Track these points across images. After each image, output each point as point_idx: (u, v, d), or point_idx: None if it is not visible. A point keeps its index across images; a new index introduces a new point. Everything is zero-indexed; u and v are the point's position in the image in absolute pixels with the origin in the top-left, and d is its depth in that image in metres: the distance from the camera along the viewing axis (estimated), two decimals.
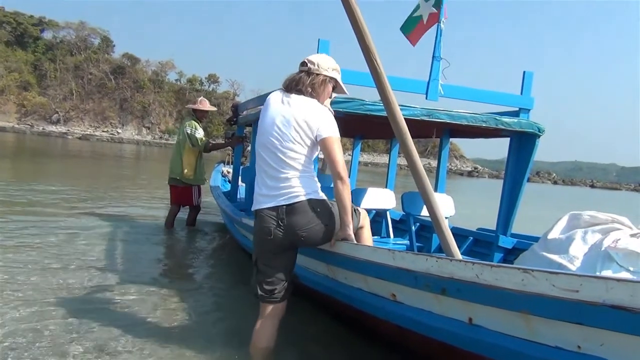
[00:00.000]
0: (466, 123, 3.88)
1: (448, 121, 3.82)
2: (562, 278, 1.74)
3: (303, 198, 2.65)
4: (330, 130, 2.66)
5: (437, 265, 2.16)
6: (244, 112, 6.43)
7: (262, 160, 2.76)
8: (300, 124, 2.65)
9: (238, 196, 6.87)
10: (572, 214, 3.26)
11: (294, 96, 2.74)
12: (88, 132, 73.94)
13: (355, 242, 2.83)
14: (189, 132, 6.80)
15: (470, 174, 76.77)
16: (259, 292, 2.75)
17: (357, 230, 3.06)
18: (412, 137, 2.87)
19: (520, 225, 4.66)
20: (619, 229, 2.98)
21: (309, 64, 2.78)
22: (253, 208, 2.81)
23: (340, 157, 2.63)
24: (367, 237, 3.14)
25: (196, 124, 6.89)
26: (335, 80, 2.86)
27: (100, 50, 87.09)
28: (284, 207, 2.65)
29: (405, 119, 3.52)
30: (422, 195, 2.66)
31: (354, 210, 2.97)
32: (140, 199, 10.20)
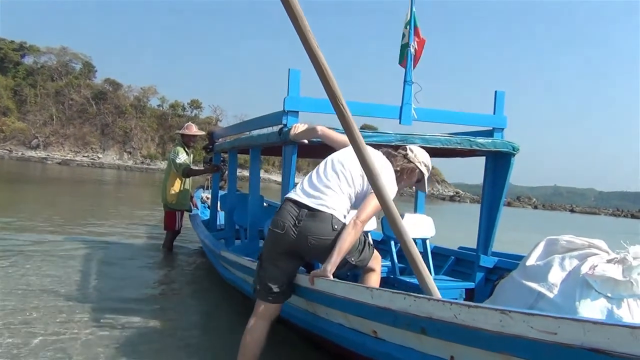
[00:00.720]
0: (441, 146, 3.84)
1: (422, 145, 3.76)
2: (539, 320, 1.69)
3: (329, 211, 2.76)
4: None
5: (415, 305, 2.12)
6: (220, 140, 6.43)
7: (324, 168, 2.94)
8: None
9: (218, 222, 6.74)
10: (549, 239, 3.20)
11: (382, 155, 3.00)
12: (68, 157, 73.13)
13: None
14: (171, 157, 6.94)
15: (452, 199, 77.26)
16: (257, 287, 2.87)
17: (366, 274, 3.14)
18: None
19: (504, 249, 4.66)
20: (595, 254, 2.92)
21: (408, 151, 3.09)
22: (286, 195, 2.96)
23: (371, 212, 2.74)
24: (374, 282, 3.12)
25: (180, 149, 6.93)
26: (422, 175, 3.09)
27: (82, 75, 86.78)
28: (308, 209, 2.77)
29: (380, 145, 3.53)
30: (393, 230, 2.57)
31: (368, 247, 3.06)
32: (119, 223, 10.01)
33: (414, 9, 3.87)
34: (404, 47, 3.97)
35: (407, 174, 3.05)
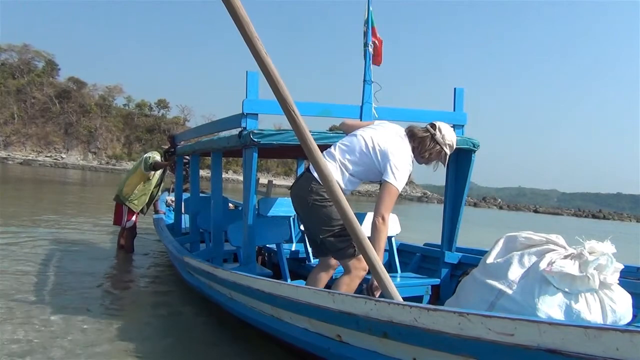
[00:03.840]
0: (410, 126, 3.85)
1: None
2: (496, 321, 1.71)
3: (313, 174, 2.99)
4: (392, 177, 2.97)
5: (376, 309, 2.12)
6: (182, 143, 6.36)
7: (341, 142, 3.22)
8: (380, 151, 3.05)
9: (183, 225, 6.60)
10: (508, 236, 3.22)
11: (401, 135, 3.17)
12: (30, 157, 71.20)
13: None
14: (146, 155, 6.99)
15: (420, 200, 78.32)
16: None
17: (341, 276, 3.16)
18: None
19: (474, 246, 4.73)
20: (553, 250, 2.96)
21: (437, 131, 3.12)
22: None
23: (388, 201, 2.94)
24: (345, 285, 3.10)
25: (159, 153, 7.00)
26: (445, 155, 3.18)
27: (45, 73, 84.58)
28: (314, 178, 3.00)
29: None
30: (348, 228, 2.53)
31: (346, 238, 3.02)
32: (80, 224, 9.73)
33: (371, 8, 3.88)
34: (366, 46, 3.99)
35: (432, 156, 3.16)
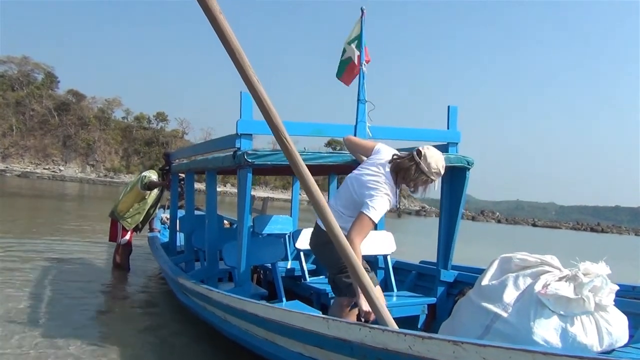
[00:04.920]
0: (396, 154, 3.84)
1: None
2: (491, 351, 1.72)
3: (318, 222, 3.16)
4: (366, 208, 2.98)
5: (370, 336, 2.11)
6: (177, 161, 6.35)
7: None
8: (359, 186, 3.11)
9: (178, 243, 6.54)
10: (502, 258, 3.20)
11: (384, 166, 3.16)
12: (28, 170, 71.17)
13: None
14: (144, 173, 7.02)
15: (418, 213, 78.26)
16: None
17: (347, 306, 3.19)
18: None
19: (471, 264, 4.69)
20: (548, 272, 2.94)
21: (422, 160, 3.03)
22: None
23: (359, 227, 2.93)
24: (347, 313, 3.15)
25: (156, 172, 7.09)
26: (433, 180, 3.11)
27: (44, 86, 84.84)
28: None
29: (336, 165, 3.75)
30: (336, 246, 2.50)
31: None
32: (77, 240, 9.68)
33: (363, 28, 3.90)
34: (344, 63, 4.03)
35: (417, 185, 3.10)
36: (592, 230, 77.42)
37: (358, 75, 3.89)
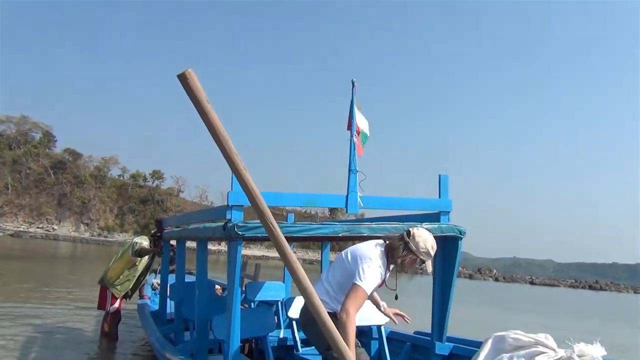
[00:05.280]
0: (387, 234, 3.81)
1: (370, 234, 3.74)
2: None
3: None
4: (359, 279, 2.97)
5: None
6: (169, 228, 6.31)
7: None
8: (352, 257, 3.11)
9: (168, 310, 6.39)
10: (496, 337, 3.14)
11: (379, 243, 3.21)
12: (22, 229, 70.56)
13: None
14: (135, 240, 6.93)
15: (415, 271, 77.23)
16: None
17: None
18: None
19: (470, 328, 4.57)
20: (542, 352, 2.87)
21: (410, 240, 3.09)
22: None
23: (352, 298, 2.91)
24: None
25: (147, 239, 6.97)
26: (424, 261, 3.13)
27: (41, 144, 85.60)
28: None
29: (328, 236, 3.79)
30: (315, 316, 2.44)
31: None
32: (66, 306, 9.48)
33: (354, 97, 3.97)
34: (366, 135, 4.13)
35: (407, 265, 3.11)
36: (591, 288, 76.56)
37: (349, 146, 3.92)
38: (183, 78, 1.75)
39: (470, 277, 74.13)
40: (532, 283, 78.73)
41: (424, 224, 3.99)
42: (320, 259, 6.73)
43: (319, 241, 5.87)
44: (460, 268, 4.45)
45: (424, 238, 3.13)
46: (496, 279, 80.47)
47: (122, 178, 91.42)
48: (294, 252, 2.43)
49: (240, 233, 3.42)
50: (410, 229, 3.17)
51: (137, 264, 6.86)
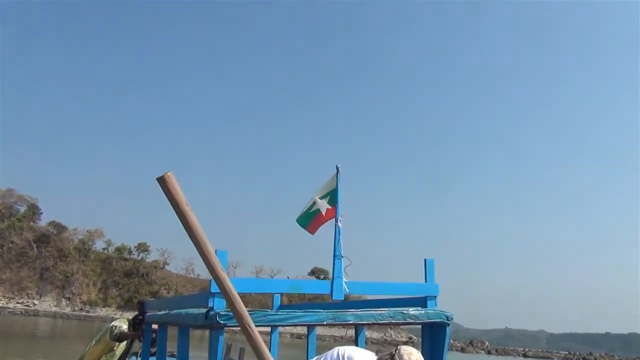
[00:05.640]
0: (374, 322, 3.75)
1: (355, 322, 3.68)
2: None
3: None
4: None
5: None
6: (150, 312, 6.18)
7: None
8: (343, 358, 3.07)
9: None
10: None
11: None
12: (0, 304, 68.42)
13: None
14: (115, 323, 6.64)
15: (405, 344, 75.54)
16: None
17: None
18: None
19: None
20: None
21: (396, 353, 3.12)
22: None
23: None
24: None
25: (126, 321, 6.74)
26: None
27: (26, 217, 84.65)
28: None
29: (313, 324, 3.81)
30: None
31: None
32: None
33: (338, 185, 4.03)
34: (311, 214, 4.14)
35: None
36: None
37: (334, 232, 3.94)
38: (162, 181, 1.78)
39: (462, 350, 72.44)
40: (525, 356, 77.04)
41: (410, 309, 3.95)
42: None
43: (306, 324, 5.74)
44: (451, 341, 4.37)
45: (409, 352, 3.20)
46: (488, 352, 78.71)
47: (106, 251, 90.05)
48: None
49: (222, 322, 3.34)
50: (400, 347, 3.24)
51: (115, 348, 6.62)
